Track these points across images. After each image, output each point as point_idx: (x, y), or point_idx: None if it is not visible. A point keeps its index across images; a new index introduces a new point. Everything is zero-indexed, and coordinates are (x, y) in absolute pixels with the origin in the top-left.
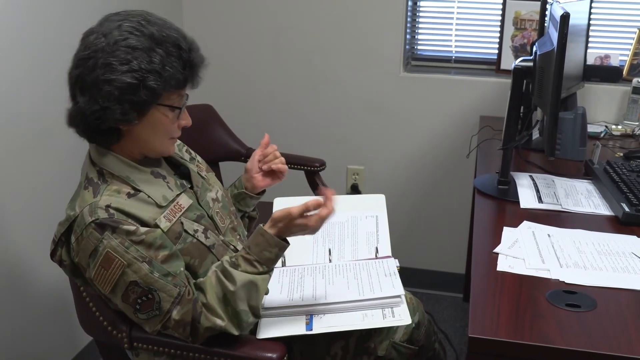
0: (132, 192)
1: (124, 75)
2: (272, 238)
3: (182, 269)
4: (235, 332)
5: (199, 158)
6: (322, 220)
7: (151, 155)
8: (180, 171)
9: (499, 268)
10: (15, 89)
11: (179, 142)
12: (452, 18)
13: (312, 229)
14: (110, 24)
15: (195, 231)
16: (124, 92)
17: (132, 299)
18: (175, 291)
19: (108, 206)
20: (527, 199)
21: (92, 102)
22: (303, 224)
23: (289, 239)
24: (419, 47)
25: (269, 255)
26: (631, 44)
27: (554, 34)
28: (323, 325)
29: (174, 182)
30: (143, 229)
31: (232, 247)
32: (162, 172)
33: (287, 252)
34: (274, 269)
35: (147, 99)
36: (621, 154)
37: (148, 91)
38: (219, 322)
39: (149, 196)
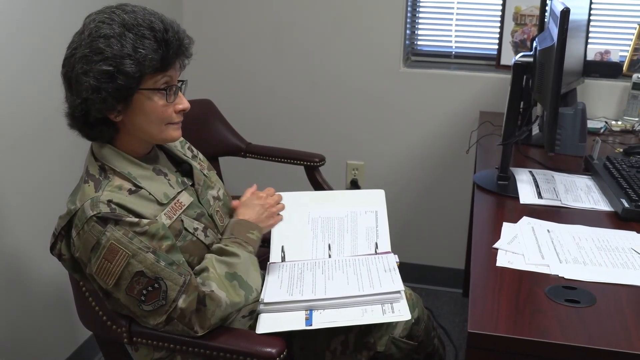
0: (133, 188)
1: (98, 64)
2: (249, 222)
3: (183, 259)
4: (242, 302)
5: (200, 156)
6: (271, 192)
7: (156, 142)
8: (182, 168)
9: (499, 263)
10: (15, 84)
11: (181, 139)
12: (452, 13)
13: (270, 204)
14: (86, 20)
15: (195, 229)
16: (101, 80)
17: (137, 290)
18: (181, 279)
19: (110, 201)
20: (526, 194)
21: (75, 96)
22: (259, 196)
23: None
24: (419, 43)
25: (252, 236)
26: (631, 39)
27: (554, 30)
28: (323, 320)
29: (175, 180)
30: (145, 220)
31: None
32: (163, 170)
33: (286, 248)
34: (274, 264)
35: (124, 84)
36: (621, 150)
37: (124, 76)
38: (224, 297)
39: (150, 193)
